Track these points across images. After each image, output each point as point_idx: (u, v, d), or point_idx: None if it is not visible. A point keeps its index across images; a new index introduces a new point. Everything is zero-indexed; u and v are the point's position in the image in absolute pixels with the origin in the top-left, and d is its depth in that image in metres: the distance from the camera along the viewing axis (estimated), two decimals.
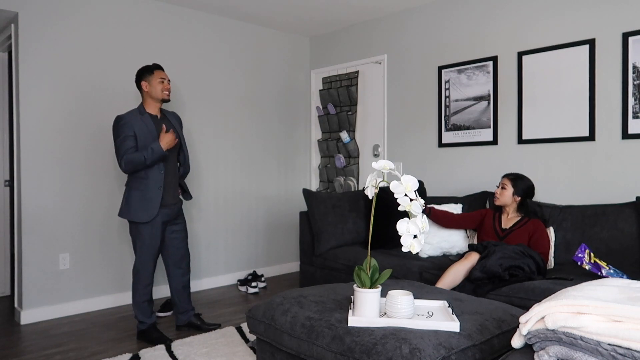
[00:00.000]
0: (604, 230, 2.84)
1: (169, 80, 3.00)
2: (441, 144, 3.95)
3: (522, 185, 3.05)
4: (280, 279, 4.65)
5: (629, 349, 1.14)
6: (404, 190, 1.67)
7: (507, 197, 3.05)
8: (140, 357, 2.68)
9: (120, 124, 2.86)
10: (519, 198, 3.04)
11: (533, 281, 2.55)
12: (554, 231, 3.00)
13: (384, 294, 1.92)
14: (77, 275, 3.55)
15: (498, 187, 3.10)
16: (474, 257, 2.77)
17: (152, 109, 2.98)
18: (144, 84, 2.95)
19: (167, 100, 3.01)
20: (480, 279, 2.61)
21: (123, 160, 2.82)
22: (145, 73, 2.97)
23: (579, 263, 2.55)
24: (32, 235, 3.37)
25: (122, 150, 2.83)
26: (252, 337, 2.93)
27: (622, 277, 2.38)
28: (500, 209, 3.14)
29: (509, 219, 3.09)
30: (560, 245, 2.95)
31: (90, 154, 3.60)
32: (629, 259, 2.72)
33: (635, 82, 2.97)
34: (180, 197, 3.21)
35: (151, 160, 2.83)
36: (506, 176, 3.10)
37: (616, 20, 3.04)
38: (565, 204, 3.17)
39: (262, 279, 4.33)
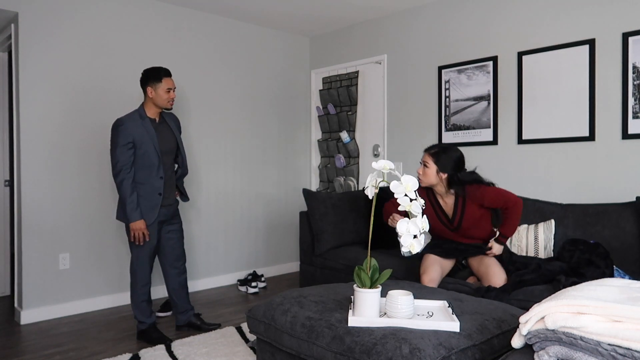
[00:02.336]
0: (605, 229, 2.85)
1: (175, 89, 2.97)
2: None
3: (446, 159, 2.65)
4: (280, 279, 4.65)
5: (629, 349, 1.14)
6: (404, 190, 1.67)
7: (430, 176, 2.66)
8: (140, 357, 2.68)
9: (119, 130, 2.80)
10: (446, 175, 2.65)
11: (537, 284, 2.55)
12: (555, 226, 3.00)
13: (384, 294, 1.92)
14: (77, 275, 3.55)
15: (421, 164, 2.73)
16: (431, 272, 2.61)
17: (152, 113, 2.96)
18: (149, 89, 2.90)
19: (169, 109, 3.00)
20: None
21: (119, 178, 2.79)
22: (152, 78, 2.90)
23: None
24: (32, 235, 3.37)
25: (119, 163, 2.79)
26: (252, 337, 2.93)
27: (623, 277, 2.38)
28: (432, 191, 2.78)
29: (447, 203, 2.73)
30: (560, 242, 2.95)
31: (90, 154, 3.60)
32: (629, 258, 2.74)
33: (635, 82, 2.97)
34: (178, 198, 3.21)
35: (124, 206, 2.82)
36: (427, 151, 2.72)
37: (616, 20, 3.04)
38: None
39: (262, 279, 4.33)
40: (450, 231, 2.77)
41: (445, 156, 2.65)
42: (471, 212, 2.70)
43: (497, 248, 2.71)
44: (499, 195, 2.67)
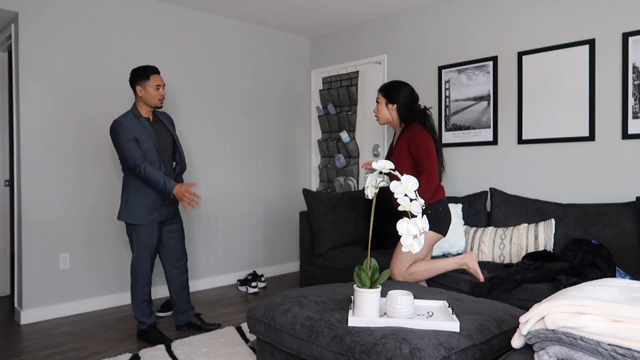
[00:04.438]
0: (605, 228, 2.85)
1: (164, 86, 2.98)
2: (441, 144, 3.94)
3: (393, 91, 2.73)
4: (280, 279, 4.65)
5: (629, 349, 1.14)
6: (404, 190, 1.67)
7: (382, 110, 2.75)
8: (140, 357, 2.68)
9: (119, 129, 2.82)
10: (394, 106, 2.72)
11: (538, 282, 2.55)
12: (555, 225, 3.00)
13: (384, 294, 1.92)
14: (77, 275, 3.55)
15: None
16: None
17: (145, 112, 2.96)
18: (138, 88, 2.91)
19: (160, 107, 3.00)
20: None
21: (139, 168, 2.78)
22: (140, 77, 2.91)
23: None
24: (32, 235, 3.37)
25: (132, 157, 2.79)
26: (252, 337, 2.93)
27: (624, 278, 2.38)
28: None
29: (396, 137, 2.79)
30: (560, 241, 2.97)
31: (90, 153, 3.60)
32: (629, 258, 2.74)
33: (635, 82, 2.97)
34: None
35: (159, 189, 2.84)
36: (378, 89, 2.81)
37: (616, 20, 3.04)
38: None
39: (262, 279, 4.33)
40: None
41: (393, 89, 2.74)
42: (399, 148, 2.67)
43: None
44: (423, 148, 2.57)
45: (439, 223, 2.64)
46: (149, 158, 2.87)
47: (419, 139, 2.60)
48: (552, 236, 2.98)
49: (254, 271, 4.37)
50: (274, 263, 4.82)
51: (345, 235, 3.66)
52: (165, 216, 3.01)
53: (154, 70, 2.95)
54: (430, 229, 2.60)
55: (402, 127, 2.75)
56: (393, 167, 1.73)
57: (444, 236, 2.71)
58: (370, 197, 1.78)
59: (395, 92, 2.72)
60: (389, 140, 4.34)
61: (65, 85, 3.49)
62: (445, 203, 2.70)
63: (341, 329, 1.71)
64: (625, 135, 3.01)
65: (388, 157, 2.81)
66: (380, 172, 1.77)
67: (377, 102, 2.78)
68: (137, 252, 2.95)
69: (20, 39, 3.30)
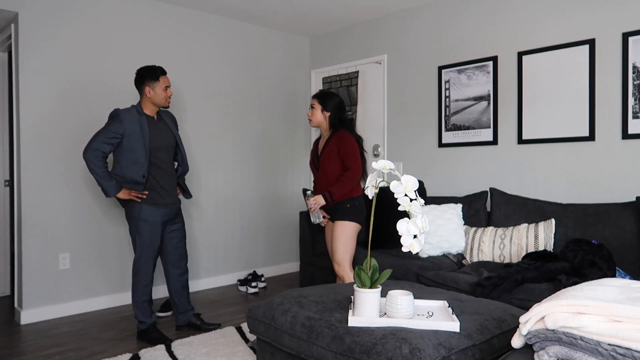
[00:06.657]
0: (605, 228, 2.85)
1: (170, 86, 2.99)
2: (441, 144, 3.95)
3: (328, 100, 3.02)
4: (280, 279, 4.65)
5: (629, 349, 1.14)
6: (404, 190, 1.67)
7: (317, 115, 3.02)
8: (140, 357, 2.68)
9: (114, 119, 2.83)
10: (329, 113, 3.00)
11: (538, 282, 2.55)
12: (555, 225, 3.00)
13: (384, 294, 1.92)
14: (77, 275, 3.55)
15: (310, 108, 3.10)
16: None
17: (150, 110, 2.96)
18: (147, 89, 2.90)
19: (167, 107, 3.00)
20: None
21: (89, 151, 2.79)
22: (149, 78, 2.90)
23: None
24: (32, 235, 3.37)
25: (94, 143, 2.80)
26: (252, 337, 2.93)
27: (624, 277, 2.38)
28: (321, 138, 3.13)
29: (323, 140, 3.07)
30: (560, 241, 2.96)
31: None
32: (629, 258, 2.74)
33: (635, 82, 2.97)
34: (180, 196, 3.21)
35: (98, 182, 2.84)
36: (314, 96, 3.08)
37: (616, 20, 3.04)
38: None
39: (262, 279, 4.33)
40: (316, 171, 3.06)
41: (327, 98, 3.03)
42: (328, 153, 2.96)
43: (318, 198, 2.93)
44: (350, 151, 2.90)
45: (359, 214, 2.95)
46: (131, 156, 2.85)
47: (347, 143, 2.92)
48: (552, 236, 2.97)
49: (254, 271, 4.37)
50: (274, 263, 4.82)
51: None
52: (168, 216, 3.01)
53: (162, 72, 2.95)
54: (352, 221, 2.92)
55: (329, 131, 3.02)
56: (393, 167, 1.73)
57: (362, 226, 3.01)
58: (370, 197, 1.78)
59: (330, 101, 3.02)
60: (389, 140, 4.35)
61: (65, 85, 3.49)
62: (362, 198, 3.00)
63: (341, 329, 1.71)
64: (625, 135, 3.01)
65: (315, 158, 3.09)
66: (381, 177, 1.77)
67: (312, 107, 3.04)
68: (140, 252, 2.95)
69: (20, 39, 3.30)
